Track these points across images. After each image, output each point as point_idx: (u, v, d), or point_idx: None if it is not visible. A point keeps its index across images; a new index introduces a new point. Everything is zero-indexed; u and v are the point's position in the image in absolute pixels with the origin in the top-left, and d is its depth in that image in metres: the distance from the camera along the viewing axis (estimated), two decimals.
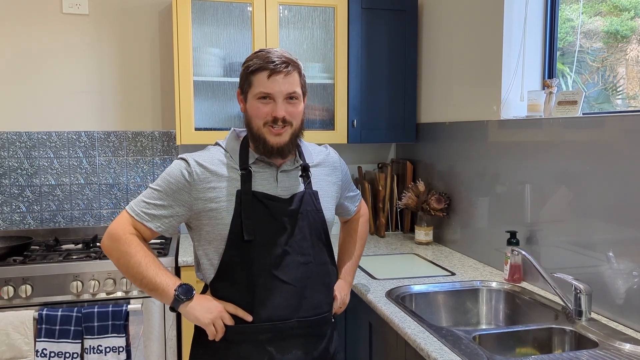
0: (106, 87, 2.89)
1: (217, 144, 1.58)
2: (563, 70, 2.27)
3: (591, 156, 1.74)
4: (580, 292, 1.64)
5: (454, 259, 2.46)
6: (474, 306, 2.03)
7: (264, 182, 1.50)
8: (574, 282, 1.65)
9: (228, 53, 2.79)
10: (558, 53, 2.21)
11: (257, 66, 1.43)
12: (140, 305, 2.37)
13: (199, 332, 1.55)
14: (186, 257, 2.47)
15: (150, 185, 1.52)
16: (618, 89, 2.08)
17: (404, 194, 2.81)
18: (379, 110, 2.90)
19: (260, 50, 1.49)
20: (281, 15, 2.80)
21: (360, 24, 2.83)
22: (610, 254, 1.70)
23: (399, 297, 1.89)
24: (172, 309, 1.47)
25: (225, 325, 1.47)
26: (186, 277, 2.46)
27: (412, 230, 3.03)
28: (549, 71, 2.23)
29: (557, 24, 2.21)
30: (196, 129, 2.72)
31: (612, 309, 1.69)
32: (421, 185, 2.78)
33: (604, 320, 1.67)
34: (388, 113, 2.93)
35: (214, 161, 1.50)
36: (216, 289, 1.52)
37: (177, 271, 2.47)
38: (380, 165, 3.18)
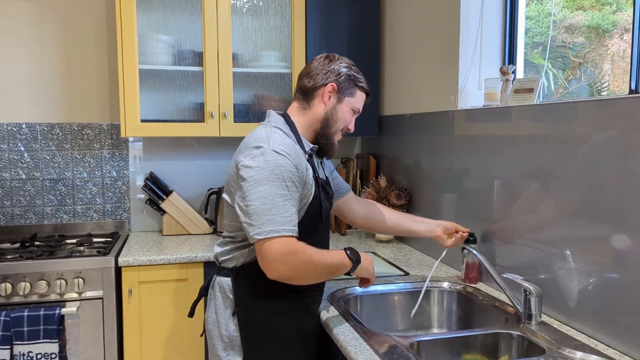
0: (49, 76, 2.73)
1: (276, 127, 1.55)
2: (545, 66, 2.17)
3: (554, 149, 1.61)
4: (530, 293, 1.51)
5: (412, 258, 2.33)
6: (426, 308, 1.90)
7: (317, 167, 1.61)
8: (524, 284, 1.52)
9: (177, 40, 2.64)
10: (539, 48, 2.09)
11: (365, 86, 1.65)
12: (75, 309, 2.22)
13: (256, 333, 1.56)
14: (127, 257, 2.32)
15: (260, 194, 1.40)
16: (603, 86, 1.97)
17: (363, 190, 2.67)
18: None
19: (355, 66, 1.67)
20: (233, 1, 2.65)
21: (319, 11, 2.68)
22: (567, 252, 1.57)
23: (342, 300, 1.75)
24: (348, 273, 1.58)
25: (297, 294, 1.58)
26: (128, 277, 2.31)
27: None
28: (509, 58, 2.10)
29: (517, 8, 2.08)
30: (142, 121, 2.56)
31: (565, 312, 1.56)
32: (382, 181, 2.65)
33: (555, 324, 1.54)
34: None
35: (297, 149, 1.50)
36: None
37: (118, 272, 2.32)
38: (343, 160, 3.04)
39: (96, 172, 2.82)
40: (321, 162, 1.71)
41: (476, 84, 2.06)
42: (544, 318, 1.58)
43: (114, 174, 2.84)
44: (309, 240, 1.48)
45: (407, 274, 2.06)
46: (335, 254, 1.52)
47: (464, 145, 2.05)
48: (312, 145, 1.59)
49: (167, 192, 2.77)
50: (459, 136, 2.08)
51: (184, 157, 2.91)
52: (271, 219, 1.37)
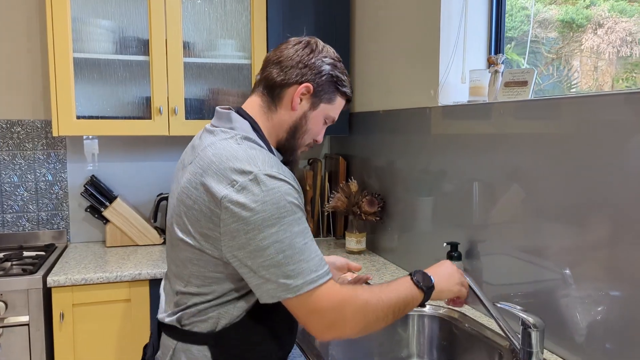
0: None
1: (247, 138, 1.16)
2: (518, 61, 1.99)
3: (547, 148, 1.36)
4: (530, 327, 1.26)
5: (387, 273, 2.06)
6: (404, 335, 1.64)
7: None
8: (522, 315, 1.26)
9: (120, 26, 2.32)
10: (512, 43, 1.89)
11: (348, 92, 1.28)
12: None
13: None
14: (58, 276, 1.99)
15: (272, 239, 1.04)
16: (572, 82, 1.85)
17: (332, 195, 2.40)
18: None
19: (341, 61, 1.29)
20: None
21: None
22: (567, 271, 1.33)
23: (303, 331, 1.47)
24: (423, 304, 1.22)
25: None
26: (59, 299, 1.99)
27: (345, 236, 2.61)
28: (497, 47, 1.85)
29: None
30: (78, 117, 2.23)
31: (570, 348, 1.31)
32: (353, 185, 2.38)
33: None
34: None
35: (285, 167, 1.16)
36: (258, 315, 1.17)
37: (48, 293, 1.99)
38: (310, 161, 2.76)
39: (28, 176, 2.47)
40: None
41: (458, 76, 1.80)
42: (546, 354, 1.33)
43: (50, 177, 2.50)
44: None
45: None
46: (400, 286, 1.17)
47: (442, 145, 1.79)
48: (280, 157, 1.25)
49: (111, 198, 2.45)
50: (437, 135, 1.81)
51: (130, 159, 2.58)
52: (298, 267, 1.04)
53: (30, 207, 2.49)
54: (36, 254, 2.27)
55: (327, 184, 2.66)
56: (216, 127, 1.20)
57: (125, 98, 2.39)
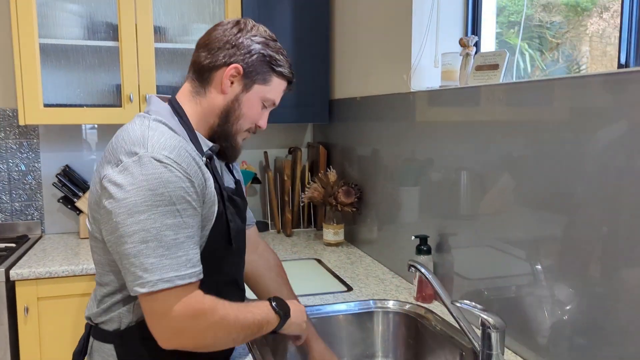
0: None
1: (157, 120, 1.09)
2: (521, 47, 1.90)
3: (529, 135, 1.27)
4: (489, 327, 1.17)
5: (361, 267, 1.98)
6: (369, 334, 1.56)
7: (219, 173, 1.19)
8: (482, 315, 1.18)
9: (90, 10, 2.24)
10: (516, 28, 1.78)
11: (285, 71, 1.19)
12: None
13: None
14: (22, 269, 1.93)
15: (139, 226, 0.96)
16: (581, 68, 1.75)
17: (308, 185, 2.31)
18: None
19: (276, 40, 1.20)
20: None
21: None
22: (538, 266, 1.24)
23: None
24: (274, 332, 1.20)
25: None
26: (23, 293, 1.94)
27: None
28: (473, 28, 1.75)
29: None
30: (46, 106, 2.16)
31: (535, 349, 1.23)
32: (332, 175, 2.30)
33: None
34: (295, 87, 2.40)
35: (189, 152, 1.06)
36: None
37: (12, 287, 1.94)
38: (291, 149, 2.67)
39: (1, 166, 2.42)
40: (227, 164, 1.28)
41: (431, 59, 1.70)
42: (509, 356, 1.25)
43: (23, 167, 2.44)
44: (215, 278, 1.11)
45: (350, 289, 1.72)
46: (257, 309, 1.13)
47: (424, 133, 1.69)
48: (211, 144, 1.16)
49: (85, 189, 2.39)
50: (420, 122, 1.71)
51: (104, 148, 2.52)
52: (158, 262, 0.96)
53: (4, 197, 2.43)
54: (5, 246, 2.22)
55: (307, 173, 2.58)
56: (137, 115, 1.15)
57: (94, 85, 2.32)
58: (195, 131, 1.14)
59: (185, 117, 1.14)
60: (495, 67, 1.43)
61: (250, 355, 1.30)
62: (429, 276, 1.30)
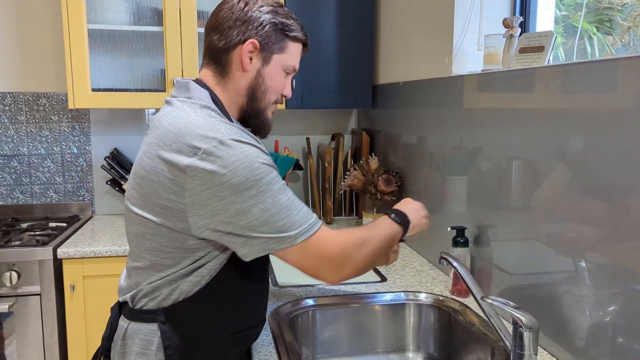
0: None
1: (205, 106, 1.10)
2: (589, 31, 1.78)
3: (581, 124, 1.18)
4: (522, 326, 1.10)
5: (398, 258, 1.93)
6: (401, 326, 1.51)
7: None
8: (514, 313, 1.11)
9: None
10: (584, 11, 1.66)
11: (299, 34, 1.19)
12: (7, 306, 1.94)
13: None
14: (69, 248, 2.01)
15: (253, 201, 1.00)
16: None
17: (348, 173, 2.27)
18: (325, 68, 2.35)
19: (283, 6, 1.19)
20: None
21: None
22: (582, 263, 1.16)
23: (287, 318, 1.39)
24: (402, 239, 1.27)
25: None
26: (70, 271, 2.01)
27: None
28: (522, 8, 1.65)
29: None
30: (94, 90, 2.22)
31: (572, 350, 1.15)
32: (373, 162, 2.24)
33: None
34: (338, 72, 2.37)
35: (247, 133, 1.13)
36: (212, 293, 1.12)
37: (59, 265, 2.02)
38: (334, 136, 2.64)
39: (54, 148, 2.52)
40: None
41: (474, 42, 1.61)
42: (544, 357, 1.18)
43: (75, 150, 2.53)
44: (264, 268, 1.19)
45: (384, 279, 1.68)
46: (383, 224, 1.21)
47: (473, 120, 1.61)
48: (244, 128, 1.15)
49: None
50: (467, 109, 1.62)
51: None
52: (288, 221, 1.02)
53: (57, 179, 2.53)
54: (57, 225, 2.31)
55: (350, 161, 2.53)
56: (174, 97, 1.14)
57: (140, 70, 2.36)
58: (232, 118, 1.15)
59: (221, 104, 1.14)
60: (540, 49, 1.34)
61: (273, 344, 1.28)
62: (461, 270, 1.24)
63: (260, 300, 1.22)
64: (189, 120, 1.04)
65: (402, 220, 1.23)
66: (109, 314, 1.41)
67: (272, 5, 1.15)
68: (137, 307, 1.12)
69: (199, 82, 1.14)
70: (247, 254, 1.03)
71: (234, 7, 1.13)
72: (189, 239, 1.05)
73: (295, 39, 1.17)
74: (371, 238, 1.14)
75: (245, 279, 1.14)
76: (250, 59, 1.13)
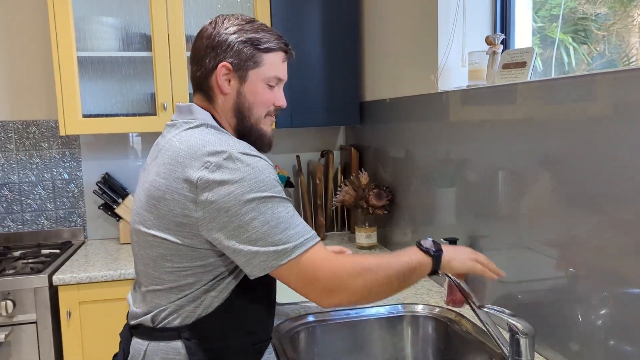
0: None
1: (211, 126, 1.16)
2: (565, 41, 1.84)
3: (566, 134, 1.23)
4: (518, 333, 1.14)
5: None
6: (398, 339, 1.54)
7: None
8: (510, 320, 1.15)
9: (124, 22, 2.31)
10: (559, 22, 1.73)
11: (272, 44, 1.18)
12: (4, 336, 1.93)
13: None
14: (64, 274, 2.01)
15: (256, 212, 1.02)
16: (631, 60, 1.70)
17: (339, 189, 2.31)
18: (313, 87, 2.40)
19: (255, 20, 1.21)
20: None
21: None
22: (572, 268, 1.20)
23: (289, 334, 1.41)
24: (435, 271, 1.18)
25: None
26: (66, 297, 2.01)
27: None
28: (503, 25, 1.71)
29: None
30: (85, 116, 2.24)
31: (567, 354, 1.19)
32: (363, 177, 2.28)
33: None
34: (325, 90, 2.42)
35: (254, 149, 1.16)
36: (233, 305, 1.15)
37: (55, 292, 2.02)
38: (323, 153, 2.68)
39: (45, 175, 2.52)
40: None
41: (458, 59, 1.67)
42: None
43: (66, 176, 2.54)
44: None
45: None
46: (404, 253, 1.15)
47: (458, 133, 1.65)
48: None
49: (124, 195, 2.46)
50: (453, 122, 1.67)
51: (143, 155, 2.59)
52: (284, 234, 1.03)
53: (48, 205, 2.53)
54: (50, 252, 2.31)
55: (340, 176, 2.57)
56: (179, 120, 1.18)
57: (130, 95, 2.39)
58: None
59: (219, 124, 1.19)
60: (522, 64, 1.40)
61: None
62: (456, 280, 1.27)
63: (274, 311, 1.26)
64: (200, 137, 1.09)
65: (432, 250, 1.16)
66: (107, 339, 1.42)
67: (238, 25, 1.17)
68: (160, 326, 1.13)
69: (200, 108, 1.19)
70: (251, 272, 1.05)
71: (204, 35, 1.18)
72: (209, 256, 1.08)
73: (268, 50, 1.17)
74: (379, 267, 1.09)
75: (261, 288, 1.17)
76: (229, 80, 1.16)
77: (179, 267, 1.09)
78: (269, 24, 2.32)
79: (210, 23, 1.19)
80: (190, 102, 1.23)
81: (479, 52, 1.55)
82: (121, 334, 1.23)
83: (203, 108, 1.19)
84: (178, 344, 1.11)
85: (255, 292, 1.15)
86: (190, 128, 1.13)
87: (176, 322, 1.12)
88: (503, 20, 1.71)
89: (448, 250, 1.19)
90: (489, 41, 1.51)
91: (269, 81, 1.18)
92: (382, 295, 1.12)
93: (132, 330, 1.19)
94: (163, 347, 1.12)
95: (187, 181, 1.04)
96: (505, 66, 1.44)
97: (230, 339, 1.14)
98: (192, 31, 2.34)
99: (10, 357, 1.97)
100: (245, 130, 1.21)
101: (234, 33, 1.16)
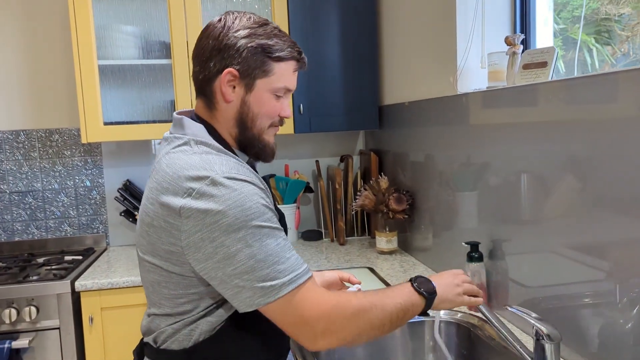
0: (10, 78, 2.47)
1: (202, 143, 1.07)
2: (588, 42, 1.81)
3: (586, 136, 1.21)
4: (543, 337, 1.11)
5: (414, 274, 1.93)
6: (420, 344, 1.52)
7: None
8: (536, 324, 1.12)
9: (144, 31, 2.34)
10: (582, 23, 1.70)
11: (285, 53, 1.08)
12: (28, 341, 1.95)
13: None
14: (86, 280, 2.03)
15: (241, 244, 0.96)
16: None
17: (359, 194, 2.30)
18: (331, 91, 2.39)
19: (268, 23, 1.10)
20: None
21: None
22: (598, 272, 1.17)
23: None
24: (425, 312, 1.13)
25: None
26: (88, 303, 2.03)
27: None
28: (522, 25, 1.68)
29: None
30: (106, 124, 2.27)
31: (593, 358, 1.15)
32: (383, 182, 2.27)
33: None
34: (344, 95, 2.41)
35: (245, 168, 1.08)
36: (232, 328, 1.08)
37: (77, 298, 2.04)
38: (342, 158, 2.67)
39: (68, 182, 2.56)
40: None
41: (477, 60, 1.65)
42: None
43: (88, 183, 2.57)
44: None
45: None
46: (398, 292, 1.09)
47: (479, 136, 1.63)
48: (246, 157, 1.14)
49: None
50: (474, 125, 1.64)
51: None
52: (273, 270, 0.96)
53: (71, 212, 2.57)
54: (72, 259, 2.34)
55: (360, 181, 2.56)
56: (172, 135, 1.11)
57: (150, 102, 2.41)
58: (233, 148, 1.12)
59: (218, 135, 1.11)
60: (543, 64, 1.37)
61: None
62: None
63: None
64: (184, 160, 1.01)
65: (426, 291, 1.10)
66: (129, 346, 1.39)
67: (250, 28, 1.07)
68: (162, 347, 1.09)
69: (194, 115, 1.13)
70: (238, 307, 0.99)
71: (210, 34, 1.08)
72: (202, 284, 1.02)
73: (279, 59, 1.08)
74: (374, 308, 1.03)
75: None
76: (233, 87, 1.08)
77: (174, 294, 1.05)
78: (286, 29, 2.32)
79: (220, 20, 1.09)
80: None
81: (498, 53, 1.53)
82: (134, 352, 1.22)
83: (202, 116, 1.12)
84: None
85: (258, 315, 1.03)
86: (177, 146, 1.06)
87: (174, 345, 1.07)
88: (523, 20, 1.68)
89: (439, 289, 1.13)
90: (508, 41, 1.49)
91: (276, 91, 1.10)
92: (372, 338, 1.06)
93: (143, 348, 1.17)
94: None
95: (170, 209, 0.98)
96: (526, 66, 1.42)
97: (236, 359, 1.08)
98: None
99: None
100: (247, 141, 1.13)
101: (244, 37, 1.06)
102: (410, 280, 1.12)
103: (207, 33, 1.09)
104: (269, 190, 1.06)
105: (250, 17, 1.09)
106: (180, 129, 1.09)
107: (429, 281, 1.13)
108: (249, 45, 1.05)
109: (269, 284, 0.95)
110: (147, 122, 2.37)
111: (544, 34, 1.73)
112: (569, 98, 1.20)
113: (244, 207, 0.96)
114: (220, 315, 1.06)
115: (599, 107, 1.11)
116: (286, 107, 1.13)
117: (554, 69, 1.36)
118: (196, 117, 1.12)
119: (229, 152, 1.08)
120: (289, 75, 1.11)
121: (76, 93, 2.50)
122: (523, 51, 1.47)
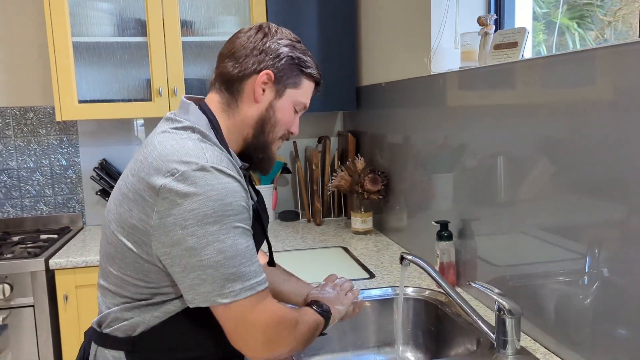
0: None
1: (200, 132, 1.05)
2: (570, 26, 1.82)
3: (561, 118, 1.22)
4: (505, 312, 1.14)
5: (386, 255, 1.96)
6: (389, 321, 1.55)
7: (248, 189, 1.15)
8: (498, 299, 1.14)
9: (119, 7, 2.30)
10: (564, 7, 1.70)
11: (314, 72, 1.16)
12: (1, 319, 1.95)
13: None
14: (60, 258, 2.03)
15: (212, 237, 0.95)
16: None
17: (334, 175, 2.31)
18: None
19: (301, 42, 1.17)
20: None
21: None
22: (563, 251, 1.19)
23: None
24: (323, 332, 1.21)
25: None
26: (62, 281, 2.03)
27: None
28: (497, 6, 1.69)
29: None
30: (80, 102, 2.24)
31: (555, 335, 1.18)
32: (359, 163, 2.28)
33: (540, 352, 1.17)
34: (323, 76, 2.39)
35: (234, 166, 1.06)
36: (179, 321, 1.07)
37: (52, 276, 2.03)
38: (320, 139, 2.67)
39: (43, 161, 2.53)
40: (249, 178, 1.21)
41: (451, 41, 1.66)
42: (527, 342, 1.21)
43: (64, 162, 2.55)
44: None
45: (372, 276, 1.71)
46: (307, 312, 1.17)
47: (455, 117, 1.64)
48: (241, 163, 1.12)
49: None
50: (450, 107, 1.65)
51: (140, 141, 2.59)
52: (238, 271, 0.96)
53: (47, 191, 2.55)
54: (48, 237, 2.32)
55: (337, 162, 2.57)
56: (174, 117, 1.10)
57: (125, 81, 2.38)
58: (229, 148, 1.11)
59: (220, 132, 1.09)
60: (514, 44, 1.38)
61: None
62: (425, 266, 1.26)
63: None
64: (177, 142, 1.01)
65: (323, 312, 1.19)
66: None
67: (290, 40, 1.12)
68: (105, 332, 1.07)
69: (203, 105, 1.11)
70: (192, 300, 0.98)
71: (251, 36, 1.11)
72: (151, 271, 1.01)
73: (310, 76, 1.14)
74: (302, 321, 1.09)
75: None
76: (263, 90, 1.09)
77: (122, 273, 1.04)
78: (264, 11, 2.31)
79: (261, 27, 1.12)
80: (193, 93, 1.15)
81: (471, 34, 1.53)
82: (85, 333, 1.19)
83: (214, 110, 1.11)
84: (120, 354, 1.06)
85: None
86: (176, 128, 1.05)
87: (119, 332, 1.06)
88: (497, 1, 1.69)
89: (332, 309, 1.22)
90: (480, 22, 1.50)
91: (297, 105, 1.14)
92: (297, 351, 1.09)
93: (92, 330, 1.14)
94: (107, 355, 1.07)
95: (150, 185, 0.97)
96: (497, 47, 1.43)
97: (176, 356, 1.07)
98: (187, 16, 2.33)
99: (8, 339, 1.99)
100: (258, 145, 1.13)
101: (286, 46, 1.10)
102: (309, 304, 1.20)
103: (247, 34, 1.11)
104: (248, 194, 1.05)
105: (290, 32, 1.15)
106: (184, 113, 1.09)
107: (324, 304, 1.21)
108: (289, 54, 1.10)
109: (230, 284, 0.95)
110: (123, 100, 2.35)
111: (523, 17, 1.74)
112: (542, 79, 1.21)
113: (225, 202, 0.95)
114: (164, 310, 1.05)
115: (573, 88, 1.13)
116: (297, 124, 1.18)
117: (524, 49, 1.37)
118: (209, 112, 1.11)
119: (224, 150, 1.07)
120: (309, 93, 1.16)
121: (49, 71, 2.47)
122: (495, 31, 1.48)
